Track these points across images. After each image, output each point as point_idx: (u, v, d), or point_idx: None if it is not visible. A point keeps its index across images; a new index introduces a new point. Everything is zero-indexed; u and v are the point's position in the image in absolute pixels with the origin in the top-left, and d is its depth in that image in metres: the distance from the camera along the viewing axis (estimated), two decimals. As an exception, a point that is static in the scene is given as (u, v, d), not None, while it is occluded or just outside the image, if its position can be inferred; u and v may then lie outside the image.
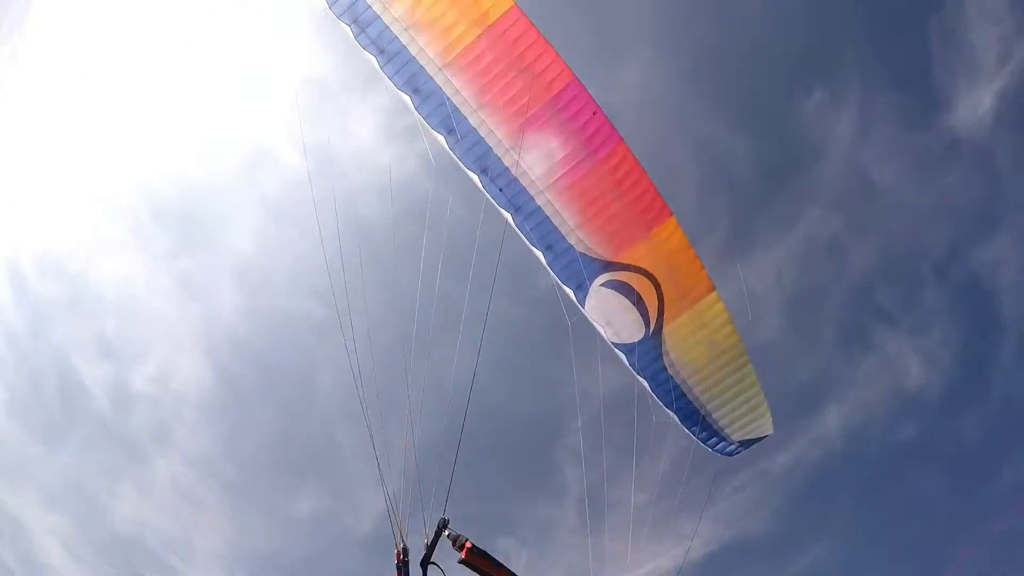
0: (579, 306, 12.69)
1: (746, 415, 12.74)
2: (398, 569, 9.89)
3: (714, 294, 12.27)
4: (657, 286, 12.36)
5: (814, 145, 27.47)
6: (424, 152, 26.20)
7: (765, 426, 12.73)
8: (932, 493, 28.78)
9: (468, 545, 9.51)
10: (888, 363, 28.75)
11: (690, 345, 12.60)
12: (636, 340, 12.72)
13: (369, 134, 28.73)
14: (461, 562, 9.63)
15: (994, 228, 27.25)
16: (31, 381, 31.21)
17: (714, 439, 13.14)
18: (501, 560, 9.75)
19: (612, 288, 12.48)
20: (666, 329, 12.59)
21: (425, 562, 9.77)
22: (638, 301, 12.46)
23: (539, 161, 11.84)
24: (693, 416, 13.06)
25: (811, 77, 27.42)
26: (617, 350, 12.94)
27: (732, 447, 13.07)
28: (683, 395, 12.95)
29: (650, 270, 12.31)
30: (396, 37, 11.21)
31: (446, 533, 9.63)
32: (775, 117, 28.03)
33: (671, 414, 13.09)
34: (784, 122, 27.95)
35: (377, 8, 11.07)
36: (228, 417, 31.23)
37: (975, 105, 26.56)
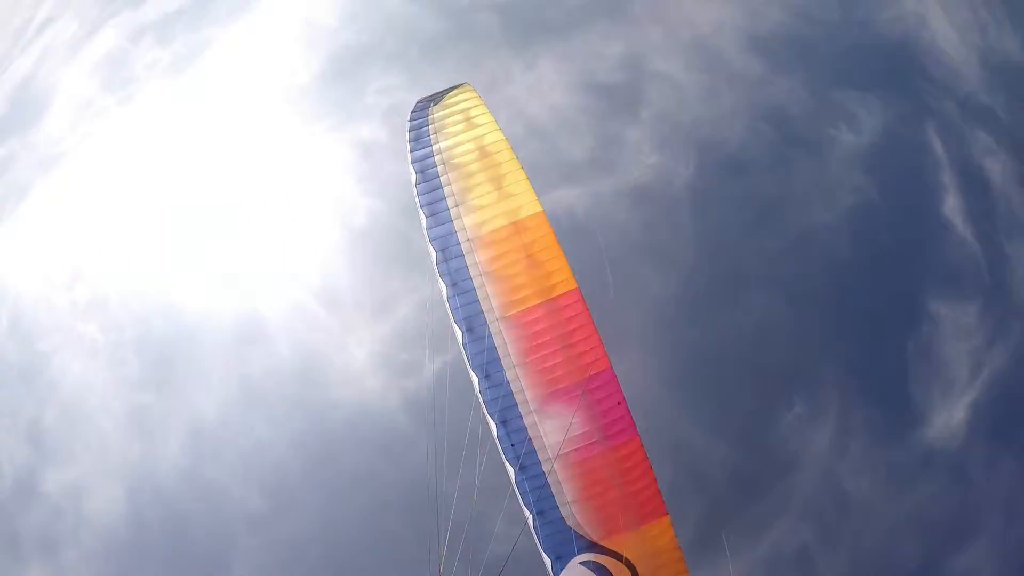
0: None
1: None
2: None
3: (692, 599, 12.42)
4: (635, 578, 12.52)
5: (790, 456, 28.31)
6: (404, 390, 27.42)
7: None
8: None
9: None
10: None
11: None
12: (600, 626, 12.68)
13: (363, 357, 29.81)
14: None
15: (968, 537, 27.39)
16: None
17: None
18: None
19: (590, 568, 12.62)
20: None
21: None
22: (610, 585, 12.58)
23: (556, 431, 12.40)
24: None
25: (793, 391, 28.87)
26: (576, 629, 12.85)
27: None
28: None
29: (632, 561, 12.53)
30: (471, 278, 12.23)
31: None
32: (754, 427, 29.04)
33: None
34: (763, 433, 28.93)
35: (464, 248, 12.19)
36: (123, 562, 29.41)
37: (948, 418, 27.86)
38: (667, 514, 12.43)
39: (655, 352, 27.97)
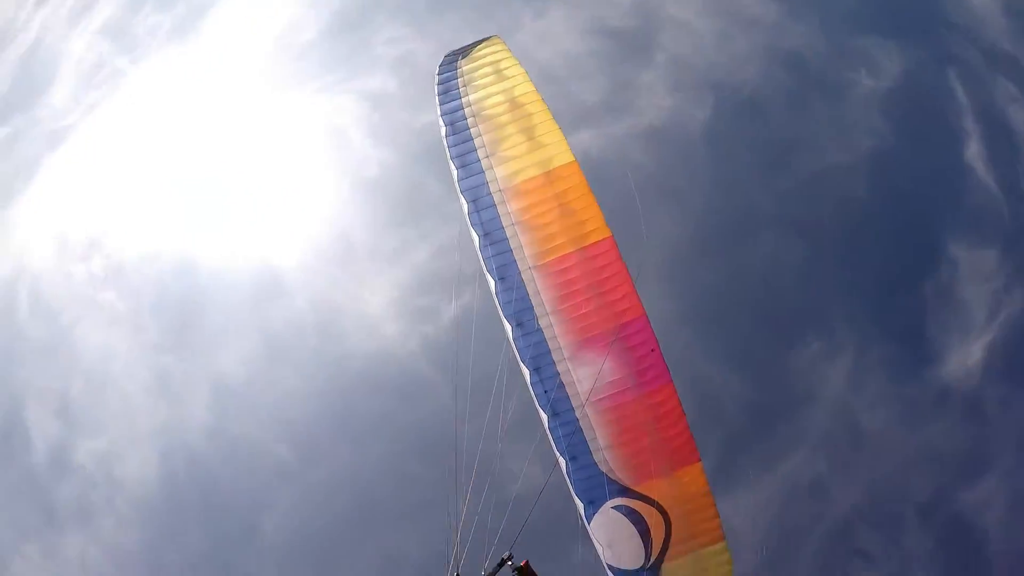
0: (584, 521, 12.97)
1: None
2: None
3: (723, 544, 12.59)
4: (668, 523, 12.66)
5: (806, 391, 28.80)
6: (422, 336, 27.56)
7: None
8: None
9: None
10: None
11: (686, 584, 12.79)
12: (632, 568, 12.89)
13: (380, 305, 30.01)
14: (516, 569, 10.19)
15: (981, 471, 27.88)
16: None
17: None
18: None
19: (623, 513, 12.78)
20: (665, 565, 12.78)
21: None
22: (644, 532, 12.73)
23: (589, 378, 12.47)
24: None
25: (810, 329, 29.14)
26: (610, 571, 13.11)
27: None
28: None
29: (665, 507, 12.66)
30: (503, 228, 12.28)
31: (509, 564, 10.14)
32: (771, 363, 29.39)
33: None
34: (779, 368, 29.32)
35: (496, 198, 12.22)
36: (159, 523, 30.10)
37: (965, 357, 28.46)
38: (700, 460, 12.56)
39: (672, 290, 28.14)
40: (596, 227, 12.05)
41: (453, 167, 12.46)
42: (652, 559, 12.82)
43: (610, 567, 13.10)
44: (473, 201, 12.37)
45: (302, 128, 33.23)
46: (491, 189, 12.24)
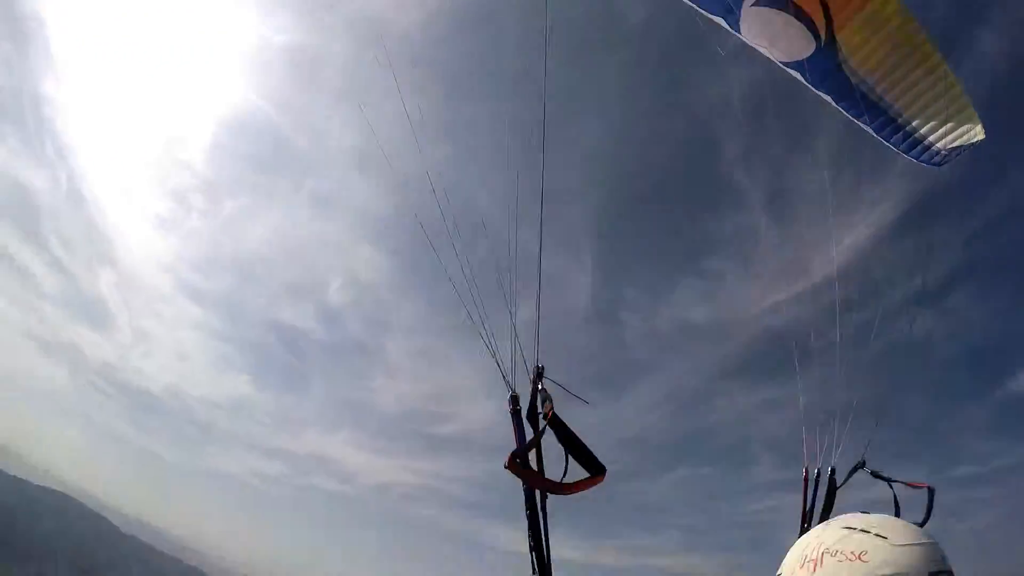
0: (734, 32, 11.21)
1: (950, 120, 10.84)
2: (512, 416, 8.09)
3: (885, -13, 10.14)
4: (818, -9, 10.49)
5: None
6: None
7: (975, 131, 10.75)
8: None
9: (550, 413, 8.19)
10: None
11: (870, 49, 10.73)
12: (807, 55, 11.07)
13: None
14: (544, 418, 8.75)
15: None
16: (257, 353, 34.95)
17: (917, 149, 11.44)
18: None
19: (766, 5, 10.76)
20: (839, 36, 10.76)
21: (532, 415, 8.28)
22: (799, 13, 10.67)
23: None
24: (890, 125, 11.44)
25: None
26: (789, 69, 11.45)
27: (939, 156, 11.32)
28: (874, 104, 11.28)
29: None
30: None
31: (540, 385, 8.07)
32: None
33: (866, 128, 11.60)
34: None
35: None
36: (418, 284, 32.68)
37: None
38: None
39: None
40: None
41: None
42: (823, 37, 10.87)
43: (785, 65, 11.44)
44: None
45: None
46: None
